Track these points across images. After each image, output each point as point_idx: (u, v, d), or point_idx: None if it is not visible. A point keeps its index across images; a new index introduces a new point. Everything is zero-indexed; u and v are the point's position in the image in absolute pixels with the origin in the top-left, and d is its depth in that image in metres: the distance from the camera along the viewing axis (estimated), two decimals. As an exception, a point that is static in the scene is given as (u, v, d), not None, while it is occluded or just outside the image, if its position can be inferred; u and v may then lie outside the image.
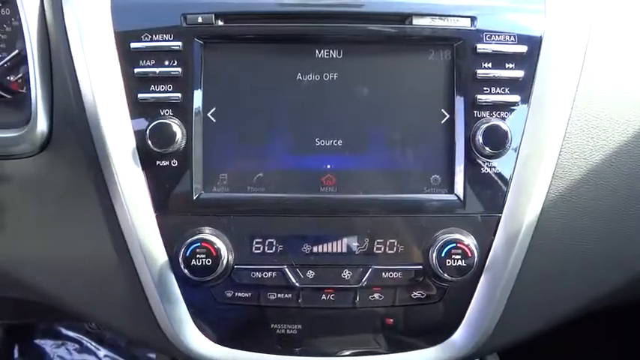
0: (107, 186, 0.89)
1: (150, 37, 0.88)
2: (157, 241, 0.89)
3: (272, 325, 0.93)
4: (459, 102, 0.89)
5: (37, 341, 1.84)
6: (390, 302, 0.91)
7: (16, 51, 1.04)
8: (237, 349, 0.94)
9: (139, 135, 0.87)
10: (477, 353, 0.96)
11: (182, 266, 0.87)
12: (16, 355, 1.82)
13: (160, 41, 0.88)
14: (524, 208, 0.89)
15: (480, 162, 0.89)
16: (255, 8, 0.89)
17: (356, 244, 0.90)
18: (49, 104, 0.90)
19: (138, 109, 0.88)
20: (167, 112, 0.88)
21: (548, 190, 0.90)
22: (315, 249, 0.90)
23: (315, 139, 0.90)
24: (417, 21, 0.88)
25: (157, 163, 0.88)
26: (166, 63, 0.88)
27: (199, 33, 0.88)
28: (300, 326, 0.93)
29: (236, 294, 0.91)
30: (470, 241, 0.88)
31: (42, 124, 0.90)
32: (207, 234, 0.88)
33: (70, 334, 1.86)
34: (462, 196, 0.89)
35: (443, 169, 0.89)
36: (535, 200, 0.89)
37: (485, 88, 0.88)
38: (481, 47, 0.88)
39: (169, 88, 0.88)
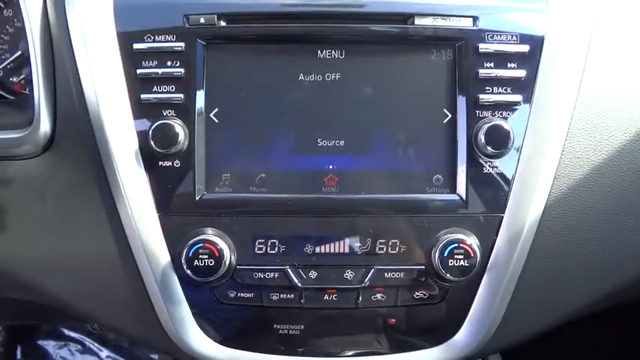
0: (110, 186, 0.89)
1: (152, 37, 0.88)
2: (159, 241, 0.89)
3: (274, 326, 0.93)
4: (461, 102, 0.89)
5: (40, 342, 1.84)
6: (393, 302, 0.91)
7: (19, 52, 1.04)
8: (239, 349, 0.94)
9: (142, 135, 0.87)
10: (479, 353, 0.96)
11: (185, 267, 0.87)
12: (18, 355, 1.83)
13: (163, 42, 0.88)
14: (526, 208, 0.89)
15: (482, 162, 0.89)
16: (257, 9, 0.89)
17: (358, 244, 0.90)
18: (52, 105, 0.91)
19: (140, 109, 0.88)
20: (170, 112, 0.88)
21: (551, 189, 0.90)
22: (317, 249, 0.90)
23: (317, 140, 0.90)
24: (419, 21, 0.88)
25: (160, 163, 0.88)
26: (169, 64, 0.88)
27: (202, 34, 0.88)
28: (302, 326, 0.93)
29: (238, 294, 0.91)
30: (472, 241, 0.88)
31: (45, 125, 0.90)
32: (210, 234, 0.88)
33: (73, 334, 1.86)
34: (464, 196, 0.89)
35: (445, 169, 0.90)
36: (537, 200, 0.89)
37: (487, 88, 0.89)
38: (483, 47, 0.88)
39: (172, 88, 0.88)
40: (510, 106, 0.89)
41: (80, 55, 0.89)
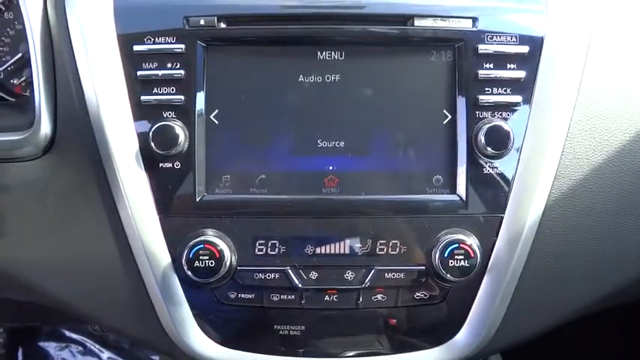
0: (110, 188, 0.89)
1: (152, 39, 0.88)
2: (160, 242, 0.89)
3: (275, 327, 0.93)
4: (461, 103, 0.89)
5: (41, 344, 1.84)
6: (393, 303, 0.91)
7: (20, 54, 1.04)
8: (240, 350, 0.94)
9: (142, 137, 0.88)
10: (479, 354, 0.96)
11: (185, 268, 0.87)
12: (20, 357, 1.83)
13: (163, 44, 0.88)
14: (526, 209, 0.89)
15: (482, 162, 0.89)
16: (257, 10, 0.89)
17: (359, 245, 0.90)
18: (53, 107, 0.91)
19: (141, 111, 0.88)
20: (170, 114, 0.88)
21: (551, 190, 0.90)
22: (317, 250, 0.90)
23: (317, 141, 0.90)
24: (418, 22, 0.89)
25: (160, 165, 0.88)
26: (169, 65, 0.88)
27: (202, 35, 0.88)
28: (303, 327, 0.93)
29: (239, 295, 0.91)
30: (472, 241, 0.88)
31: (45, 127, 0.90)
32: (210, 236, 0.88)
33: (74, 336, 1.86)
34: (464, 197, 0.89)
35: (445, 169, 0.90)
36: (537, 200, 0.89)
37: (487, 89, 0.89)
38: (483, 48, 0.88)
39: (172, 90, 0.88)
40: (510, 107, 0.89)
41: (80, 57, 0.89)
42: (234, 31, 0.89)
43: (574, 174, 0.91)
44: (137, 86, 0.88)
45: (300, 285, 0.90)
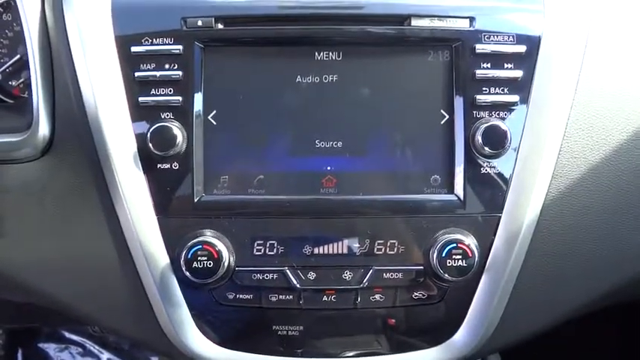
0: (109, 189, 0.89)
1: (150, 40, 0.88)
2: (158, 243, 0.89)
3: (274, 327, 0.93)
4: (459, 102, 0.89)
5: (41, 345, 1.84)
6: (391, 303, 0.91)
7: (18, 56, 1.04)
8: (238, 350, 0.94)
9: (140, 138, 0.88)
10: (478, 353, 0.96)
11: (184, 268, 0.87)
12: (19, 359, 1.82)
13: (161, 45, 0.88)
14: (524, 208, 0.89)
15: (480, 162, 0.89)
16: (254, 11, 0.89)
17: (357, 245, 0.90)
18: (51, 109, 0.91)
19: (139, 112, 0.88)
20: (168, 115, 0.88)
21: (548, 189, 0.90)
22: (315, 250, 0.90)
23: (315, 141, 0.90)
24: (415, 22, 0.89)
25: (158, 166, 0.88)
26: (167, 66, 0.88)
27: (199, 36, 0.88)
28: (301, 327, 0.93)
29: (237, 296, 0.91)
30: (470, 241, 0.88)
31: (44, 129, 0.90)
32: (209, 236, 0.88)
33: (73, 337, 1.86)
34: (462, 197, 0.89)
35: (443, 169, 0.90)
36: (535, 200, 0.89)
37: (484, 89, 0.89)
38: (480, 47, 0.88)
39: (170, 91, 0.88)
40: (507, 107, 0.89)
41: (78, 59, 0.89)
42: (231, 32, 0.89)
43: (571, 173, 0.91)
44: (135, 87, 0.88)
45: (298, 285, 0.90)
